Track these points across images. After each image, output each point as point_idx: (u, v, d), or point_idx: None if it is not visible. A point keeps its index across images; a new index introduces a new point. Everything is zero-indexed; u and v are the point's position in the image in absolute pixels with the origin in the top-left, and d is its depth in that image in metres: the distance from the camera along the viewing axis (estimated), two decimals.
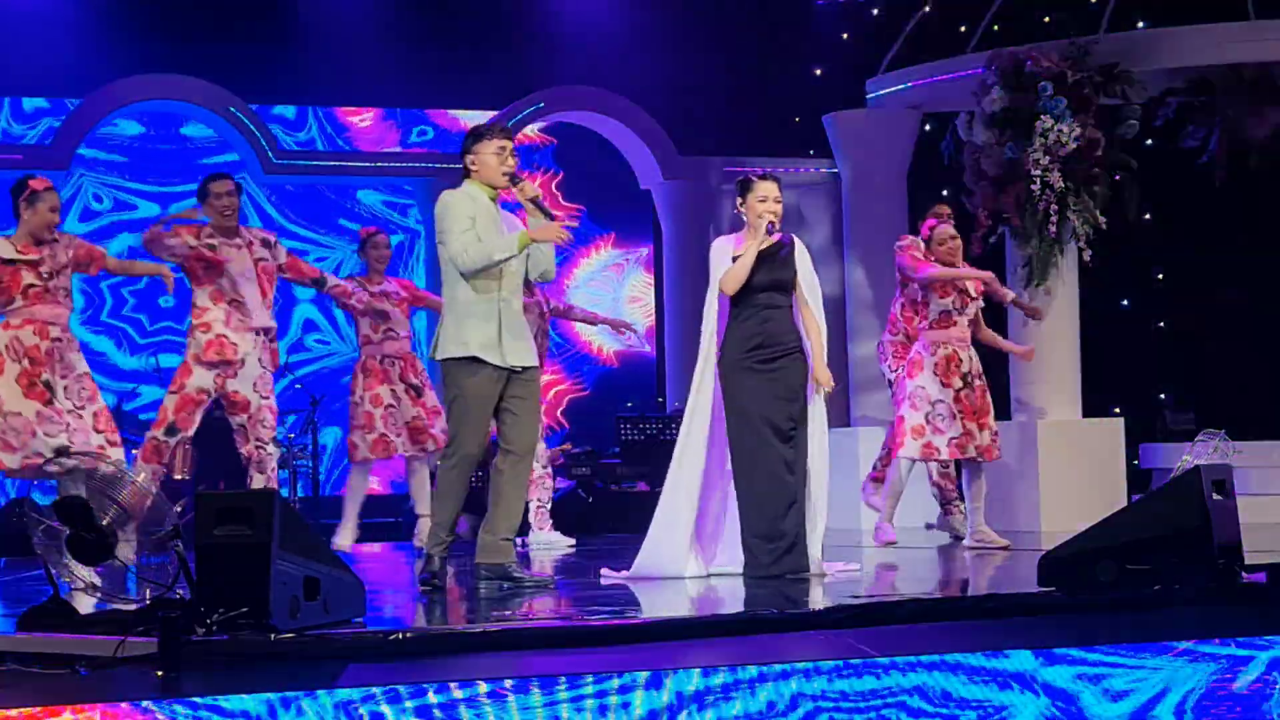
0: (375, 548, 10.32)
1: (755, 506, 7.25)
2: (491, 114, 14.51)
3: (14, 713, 3.93)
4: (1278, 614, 5.53)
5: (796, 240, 7.52)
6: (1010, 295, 9.54)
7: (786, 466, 7.26)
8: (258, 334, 8.34)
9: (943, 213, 9.26)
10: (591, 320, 10.71)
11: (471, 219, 6.89)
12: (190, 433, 8.40)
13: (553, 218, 7.01)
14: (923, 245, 9.43)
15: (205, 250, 8.23)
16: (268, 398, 8.39)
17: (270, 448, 8.39)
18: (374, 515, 12.92)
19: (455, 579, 7.34)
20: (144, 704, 3.99)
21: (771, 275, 7.35)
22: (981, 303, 9.18)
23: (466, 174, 7.04)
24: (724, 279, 7.33)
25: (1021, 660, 4.68)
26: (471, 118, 15.42)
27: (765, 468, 7.24)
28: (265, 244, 8.47)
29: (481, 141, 7.01)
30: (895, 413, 9.25)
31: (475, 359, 6.84)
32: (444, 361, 6.91)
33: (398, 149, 15.49)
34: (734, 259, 7.36)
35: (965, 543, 9.14)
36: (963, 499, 9.65)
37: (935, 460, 9.12)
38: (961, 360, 8.92)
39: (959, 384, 8.89)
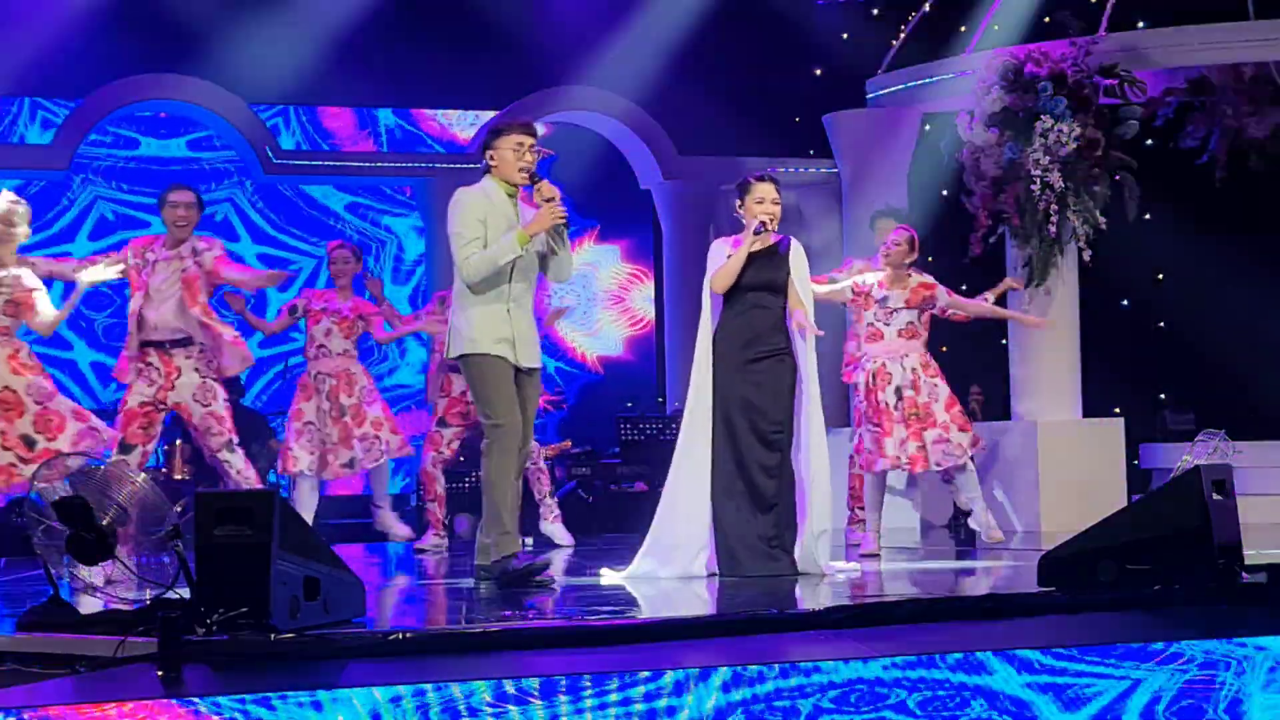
0: (373, 548, 10.31)
1: (728, 508, 7.25)
2: (492, 114, 14.52)
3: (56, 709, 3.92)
4: (1278, 614, 5.53)
5: (794, 241, 7.54)
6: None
7: (765, 470, 7.26)
8: (179, 345, 8.24)
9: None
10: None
11: (481, 222, 6.86)
12: (149, 447, 8.34)
13: (568, 224, 6.98)
14: (858, 265, 9.51)
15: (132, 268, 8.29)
16: (210, 405, 8.25)
17: (225, 454, 8.27)
18: (372, 516, 12.92)
19: (455, 579, 7.33)
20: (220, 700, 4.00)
21: (762, 275, 7.37)
22: (939, 298, 9.02)
23: (488, 169, 7.02)
24: (714, 277, 7.38)
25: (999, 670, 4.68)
26: (458, 117, 15.47)
27: (742, 470, 7.25)
28: (193, 251, 8.36)
29: (500, 136, 6.99)
30: None
31: (485, 354, 6.84)
32: (462, 358, 6.90)
33: (398, 150, 15.50)
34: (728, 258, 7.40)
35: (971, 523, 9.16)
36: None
37: (871, 472, 9.00)
38: (892, 374, 8.85)
39: (886, 398, 8.80)
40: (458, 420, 9.57)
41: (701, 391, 7.37)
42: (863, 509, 9.64)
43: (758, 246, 7.38)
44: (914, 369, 8.83)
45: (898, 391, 8.80)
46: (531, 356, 6.95)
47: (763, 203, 7.39)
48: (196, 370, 8.25)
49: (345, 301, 9.48)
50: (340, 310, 9.44)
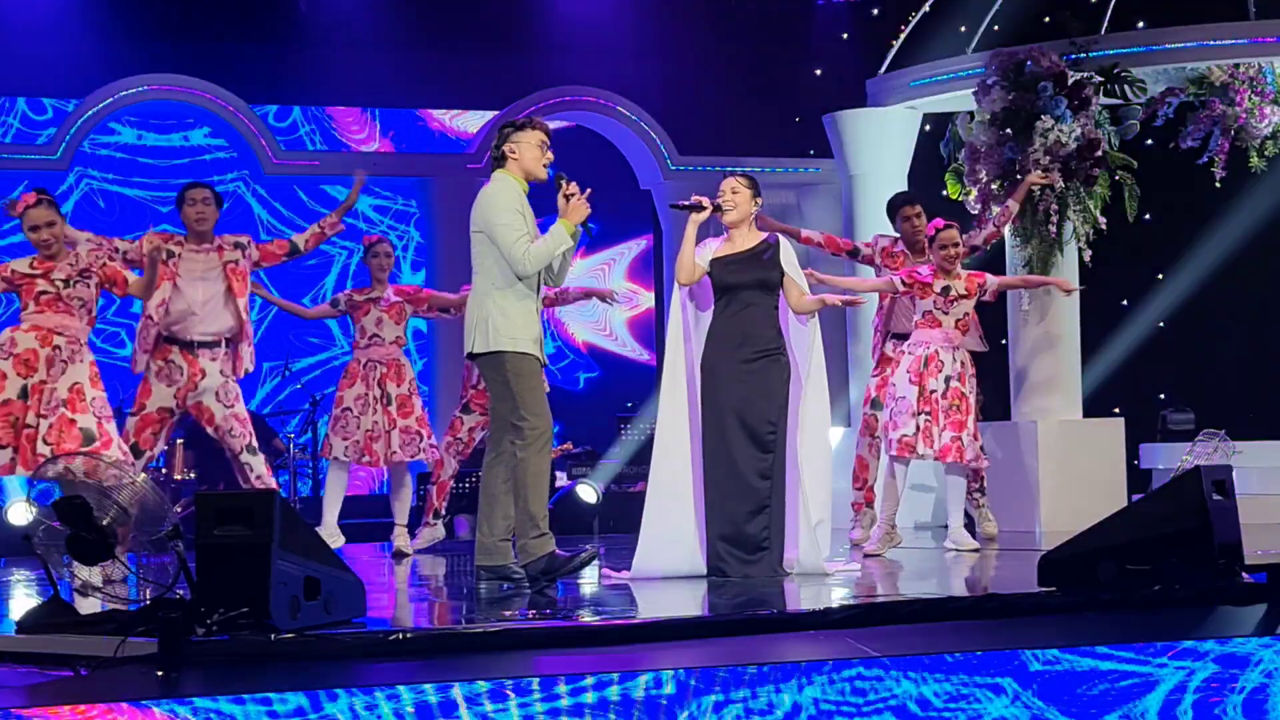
0: (373, 548, 10.31)
1: (720, 509, 7.25)
2: (493, 115, 14.52)
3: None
4: (1278, 614, 5.54)
5: (781, 239, 7.55)
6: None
7: (757, 472, 7.25)
8: (206, 346, 8.18)
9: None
10: (583, 295, 10.35)
11: (520, 214, 6.85)
12: (155, 451, 8.28)
13: (590, 226, 7.00)
14: (883, 243, 9.76)
15: (156, 259, 8.15)
16: (232, 406, 8.19)
17: (245, 456, 8.20)
18: (374, 516, 12.94)
19: (455, 579, 7.33)
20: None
21: (754, 275, 7.37)
22: (988, 283, 9.04)
23: (500, 163, 7.00)
24: (677, 270, 7.43)
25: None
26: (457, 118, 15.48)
27: (733, 471, 7.23)
28: (237, 246, 8.33)
29: (525, 131, 6.96)
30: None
31: (524, 353, 6.83)
32: (496, 354, 6.82)
33: (398, 150, 15.52)
34: (711, 261, 7.40)
35: (945, 545, 9.05)
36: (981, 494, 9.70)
37: (902, 456, 8.97)
38: (944, 364, 8.84)
39: (936, 385, 8.77)
40: (481, 410, 9.55)
41: (675, 390, 7.38)
42: (864, 508, 9.64)
43: (701, 218, 7.36)
44: (962, 362, 8.85)
45: (946, 381, 8.78)
46: (543, 354, 6.99)
47: (722, 194, 7.47)
48: (221, 371, 8.22)
49: (387, 291, 9.46)
50: (386, 298, 9.42)
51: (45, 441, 7.36)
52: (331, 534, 9.17)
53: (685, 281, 7.52)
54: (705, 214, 7.47)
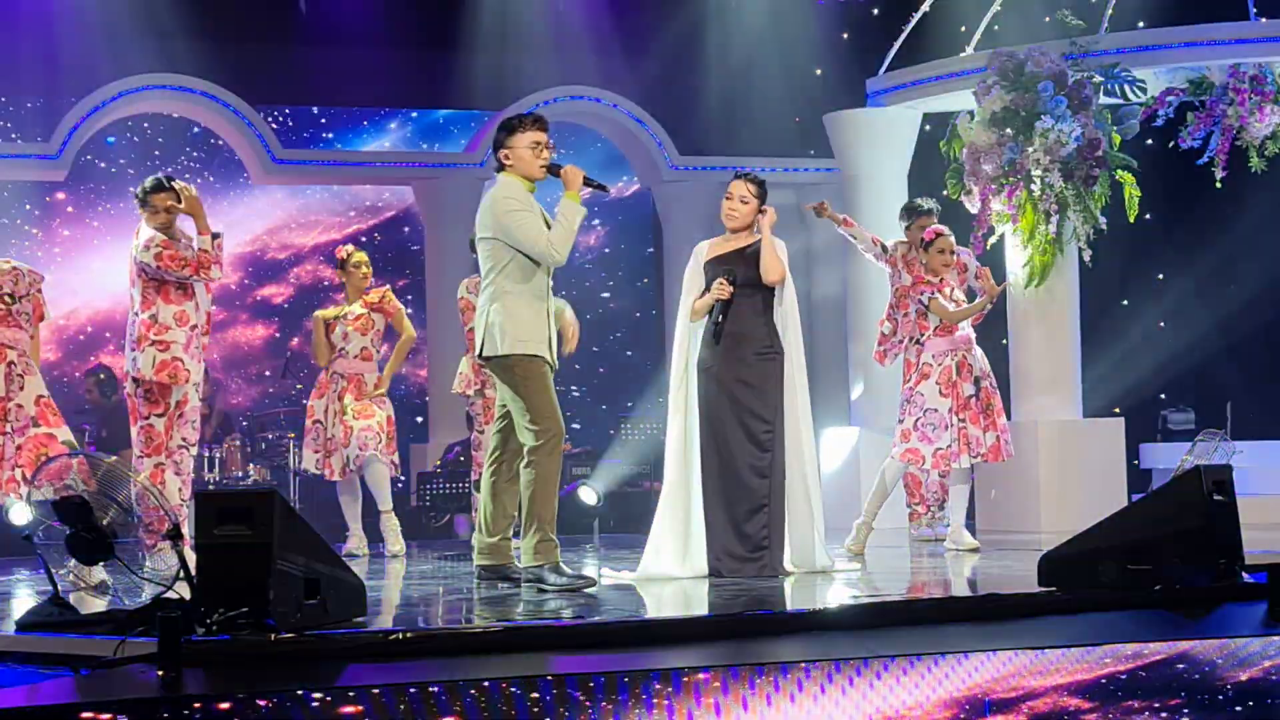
0: (373, 548, 10.30)
1: (719, 509, 7.23)
2: (493, 115, 14.52)
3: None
4: (1278, 614, 5.54)
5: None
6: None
7: (755, 471, 7.23)
8: None
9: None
10: None
11: (529, 211, 6.81)
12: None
13: (604, 187, 6.98)
14: (900, 249, 9.77)
15: None
16: None
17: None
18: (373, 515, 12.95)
19: (455, 579, 7.33)
20: None
21: (744, 274, 7.34)
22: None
23: (501, 167, 6.95)
24: (693, 310, 7.38)
25: None
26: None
27: (732, 471, 7.22)
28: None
29: (515, 135, 6.88)
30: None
31: (534, 355, 6.80)
32: (506, 357, 6.78)
33: (400, 149, 15.52)
34: (705, 263, 7.38)
35: (945, 545, 9.07)
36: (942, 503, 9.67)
37: (919, 468, 8.97)
38: (972, 365, 8.80)
39: (968, 389, 8.72)
40: None
41: (681, 394, 7.37)
42: (918, 503, 9.68)
43: (717, 295, 7.35)
44: (982, 357, 8.84)
45: (976, 382, 8.74)
46: (557, 356, 6.95)
47: (730, 199, 7.41)
48: None
49: (354, 305, 9.39)
50: (351, 313, 9.36)
51: (16, 465, 7.29)
52: (358, 541, 9.25)
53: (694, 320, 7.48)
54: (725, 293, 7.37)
